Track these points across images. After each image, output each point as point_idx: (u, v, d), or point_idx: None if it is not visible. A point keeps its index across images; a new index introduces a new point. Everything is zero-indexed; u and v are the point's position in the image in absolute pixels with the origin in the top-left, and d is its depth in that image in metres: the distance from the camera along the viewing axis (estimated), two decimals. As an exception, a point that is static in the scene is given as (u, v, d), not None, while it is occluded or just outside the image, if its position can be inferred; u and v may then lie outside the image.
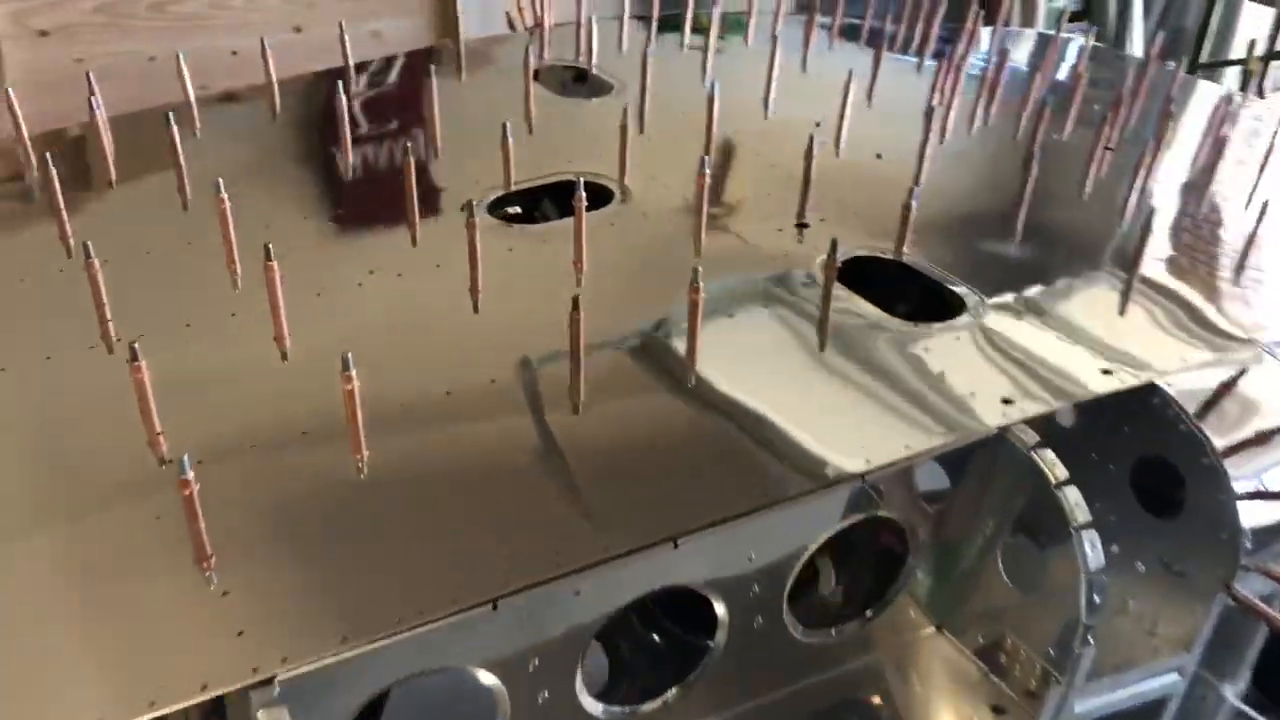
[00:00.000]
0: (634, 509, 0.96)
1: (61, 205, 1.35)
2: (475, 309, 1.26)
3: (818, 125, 1.72)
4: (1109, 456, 1.16)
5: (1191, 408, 1.11)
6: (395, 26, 3.20)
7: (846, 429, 1.05)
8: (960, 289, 1.28)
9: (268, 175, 1.59)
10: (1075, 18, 5.22)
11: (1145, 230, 1.30)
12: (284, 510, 0.97)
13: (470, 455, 1.06)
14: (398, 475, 1.00)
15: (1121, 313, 1.29)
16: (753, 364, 1.18)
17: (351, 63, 1.90)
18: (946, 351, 1.16)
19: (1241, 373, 1.17)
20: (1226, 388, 1.15)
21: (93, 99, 1.57)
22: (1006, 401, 1.08)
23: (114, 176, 1.54)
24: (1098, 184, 1.62)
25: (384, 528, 0.95)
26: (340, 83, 1.63)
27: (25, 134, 1.57)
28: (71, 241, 1.35)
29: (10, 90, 1.61)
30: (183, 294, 1.28)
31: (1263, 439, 1.09)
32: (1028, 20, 4.35)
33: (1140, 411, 1.13)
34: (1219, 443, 1.08)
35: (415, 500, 0.98)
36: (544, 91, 1.84)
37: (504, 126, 1.44)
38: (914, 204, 1.32)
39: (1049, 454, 1.04)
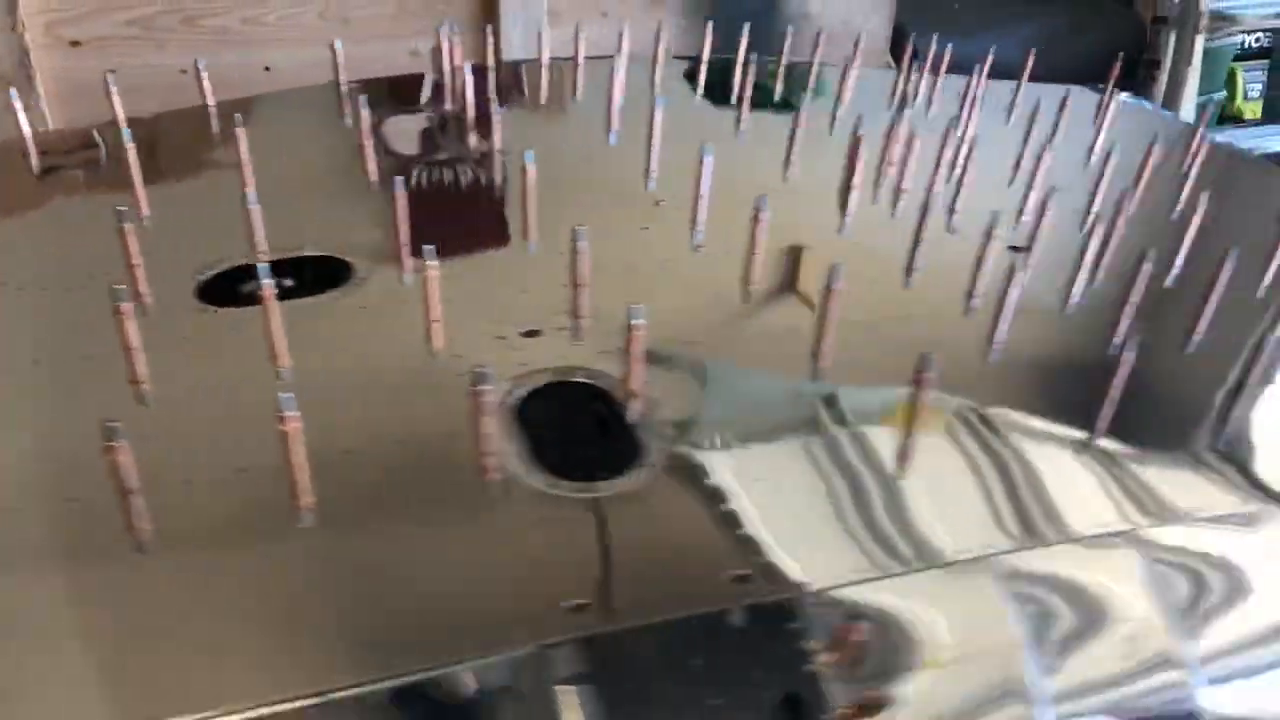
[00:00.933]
0: None
1: None
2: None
3: (659, 204, 1.50)
4: (762, 680, 0.91)
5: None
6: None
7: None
8: (652, 438, 1.05)
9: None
10: (1258, 55, 4.63)
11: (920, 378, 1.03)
12: None
13: None
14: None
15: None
16: (376, 510, 0.99)
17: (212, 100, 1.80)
18: (535, 521, 0.95)
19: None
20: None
21: None
22: (579, 608, 0.85)
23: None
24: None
25: None
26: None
27: None
28: None
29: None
30: None
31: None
32: (1179, 63, 3.85)
33: (782, 634, 0.88)
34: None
35: None
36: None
37: (244, 195, 1.30)
38: (636, 323, 1.09)
39: (573, 695, 0.80)
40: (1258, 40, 4.71)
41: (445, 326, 1.19)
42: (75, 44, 2.82)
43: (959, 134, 1.77)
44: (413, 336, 1.18)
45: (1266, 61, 4.49)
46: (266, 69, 3.01)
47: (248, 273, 1.33)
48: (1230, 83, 4.69)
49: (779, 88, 1.99)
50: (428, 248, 1.17)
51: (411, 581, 0.89)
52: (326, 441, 1.02)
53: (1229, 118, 4.72)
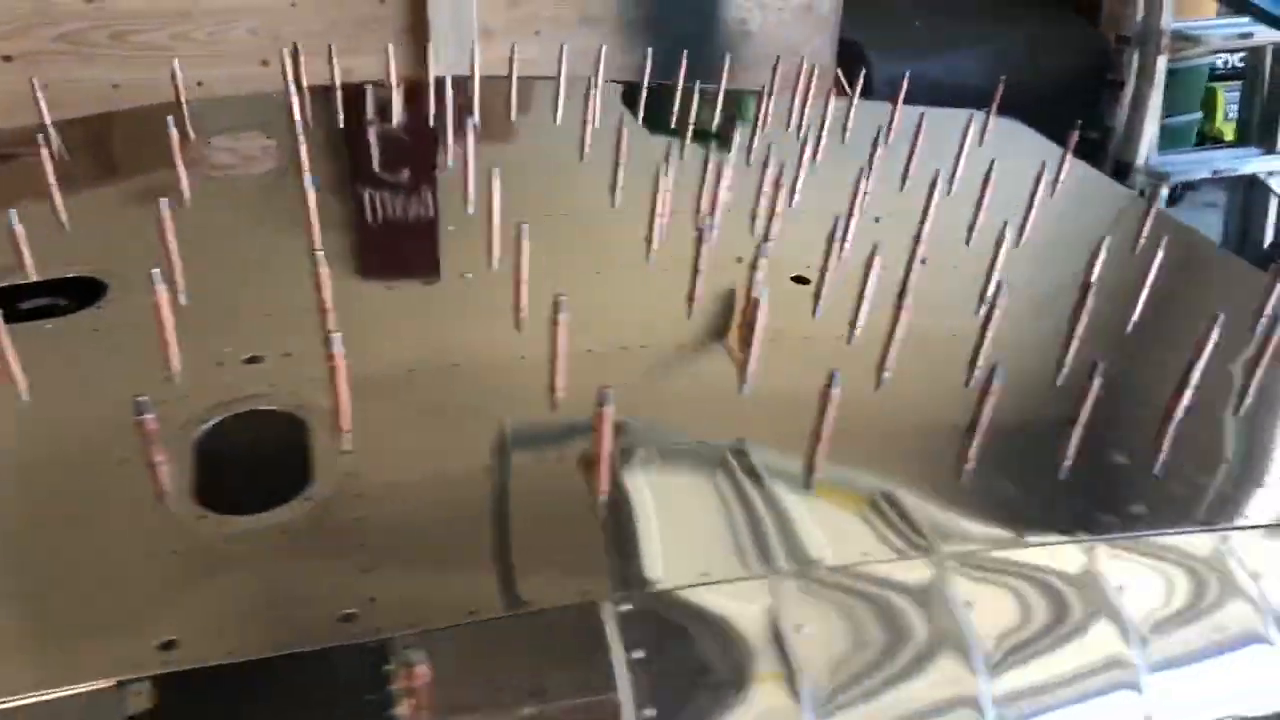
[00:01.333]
0: None
1: None
2: None
3: (451, 230, 1.50)
4: None
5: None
6: (366, 64, 3.13)
7: None
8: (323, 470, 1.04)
9: None
10: (1238, 76, 4.52)
11: (600, 414, 1.02)
12: None
13: None
14: None
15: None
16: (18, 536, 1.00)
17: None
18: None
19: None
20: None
21: None
22: (167, 645, 0.85)
23: None
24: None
25: None
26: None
27: None
28: None
29: None
30: None
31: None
32: (1142, 83, 3.77)
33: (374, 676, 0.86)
34: None
35: None
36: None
37: (9, 214, 1.32)
38: (335, 351, 1.08)
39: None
40: (1243, 59, 4.60)
41: (174, 349, 1.19)
42: (7, 59, 2.87)
43: (800, 160, 1.75)
44: (135, 359, 1.19)
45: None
46: (199, 84, 3.04)
47: (7, 294, 1.35)
48: (1210, 103, 4.60)
49: (641, 113, 1.98)
50: (154, 271, 1.17)
51: (15, 613, 0.89)
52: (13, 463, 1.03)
53: (1210, 138, 4.63)
